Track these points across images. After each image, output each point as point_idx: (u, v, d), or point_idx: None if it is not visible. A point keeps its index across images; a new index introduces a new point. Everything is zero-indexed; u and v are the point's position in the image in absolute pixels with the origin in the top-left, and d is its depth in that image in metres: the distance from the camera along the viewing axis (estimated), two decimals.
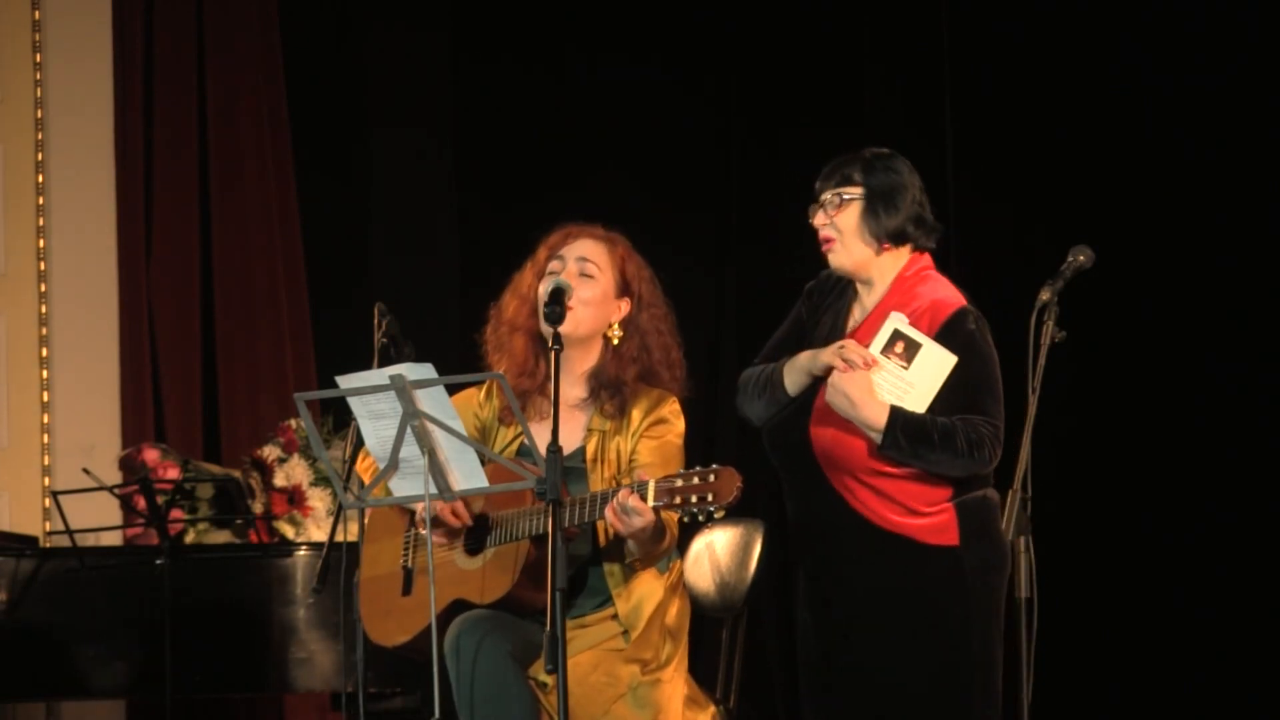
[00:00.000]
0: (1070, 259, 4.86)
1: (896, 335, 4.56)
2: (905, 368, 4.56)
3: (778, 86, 7.59)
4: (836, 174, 4.71)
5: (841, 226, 4.68)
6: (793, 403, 4.67)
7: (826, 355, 4.60)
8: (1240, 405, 6.71)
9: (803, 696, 4.74)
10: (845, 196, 4.68)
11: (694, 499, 4.45)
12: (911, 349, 4.56)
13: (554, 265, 4.90)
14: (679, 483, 4.49)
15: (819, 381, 4.63)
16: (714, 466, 4.47)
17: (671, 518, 4.64)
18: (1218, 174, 6.77)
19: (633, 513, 4.51)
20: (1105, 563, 6.80)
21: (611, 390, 4.84)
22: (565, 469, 4.75)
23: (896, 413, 4.52)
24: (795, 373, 4.67)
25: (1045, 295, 4.77)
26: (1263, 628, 6.65)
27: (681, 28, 7.70)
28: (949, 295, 4.67)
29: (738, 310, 7.63)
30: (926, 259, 4.73)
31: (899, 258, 4.70)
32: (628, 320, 4.90)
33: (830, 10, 7.48)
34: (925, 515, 4.55)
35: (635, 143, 7.64)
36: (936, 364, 4.55)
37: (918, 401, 4.55)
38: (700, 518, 4.48)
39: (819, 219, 4.71)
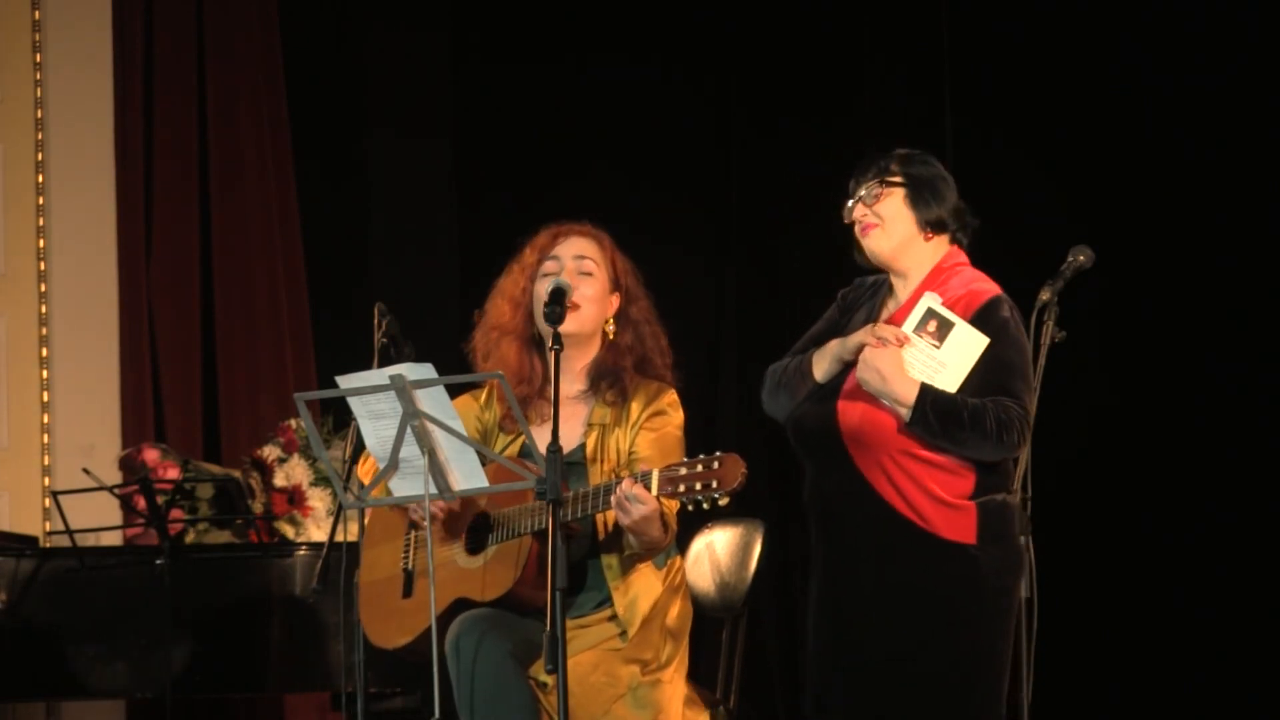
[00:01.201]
0: (1070, 259, 4.87)
1: (930, 314, 4.58)
2: (937, 347, 4.57)
3: (778, 86, 7.59)
4: (873, 169, 4.73)
5: (884, 213, 4.70)
6: (821, 389, 4.67)
7: (859, 336, 4.62)
8: (1240, 405, 6.71)
9: (809, 688, 4.73)
10: (885, 183, 4.69)
11: (698, 486, 4.46)
12: (944, 328, 4.57)
13: (549, 266, 4.91)
14: (683, 470, 4.50)
15: (849, 368, 4.64)
16: (717, 454, 4.48)
17: (670, 510, 4.65)
18: (1218, 174, 6.77)
19: (635, 500, 4.52)
20: (1105, 563, 6.80)
21: (611, 379, 4.87)
22: (565, 465, 4.76)
23: (927, 389, 4.53)
24: (825, 360, 4.68)
25: (1045, 295, 4.78)
26: (1263, 628, 6.65)
27: (681, 27, 7.70)
28: (984, 285, 4.69)
29: (738, 310, 7.64)
30: (962, 255, 4.75)
31: (937, 249, 4.72)
32: (620, 314, 4.93)
33: (830, 10, 7.48)
34: (948, 505, 4.54)
35: (635, 143, 7.64)
36: (969, 344, 4.56)
37: (949, 381, 4.56)
38: (705, 505, 4.49)
39: (857, 211, 4.72)
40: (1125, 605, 6.79)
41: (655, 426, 4.83)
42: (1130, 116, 6.90)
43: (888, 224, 4.70)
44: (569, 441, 4.82)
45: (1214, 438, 6.72)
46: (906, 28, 7.34)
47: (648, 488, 4.52)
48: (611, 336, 4.91)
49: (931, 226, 4.70)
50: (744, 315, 7.60)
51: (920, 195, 4.69)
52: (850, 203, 4.74)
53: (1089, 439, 6.75)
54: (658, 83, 7.68)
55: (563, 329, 4.69)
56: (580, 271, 4.88)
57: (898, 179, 4.70)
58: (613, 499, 4.56)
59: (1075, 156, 6.94)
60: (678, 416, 4.87)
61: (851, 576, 4.64)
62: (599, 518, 4.74)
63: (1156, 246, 6.81)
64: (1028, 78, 7.03)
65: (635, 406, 4.85)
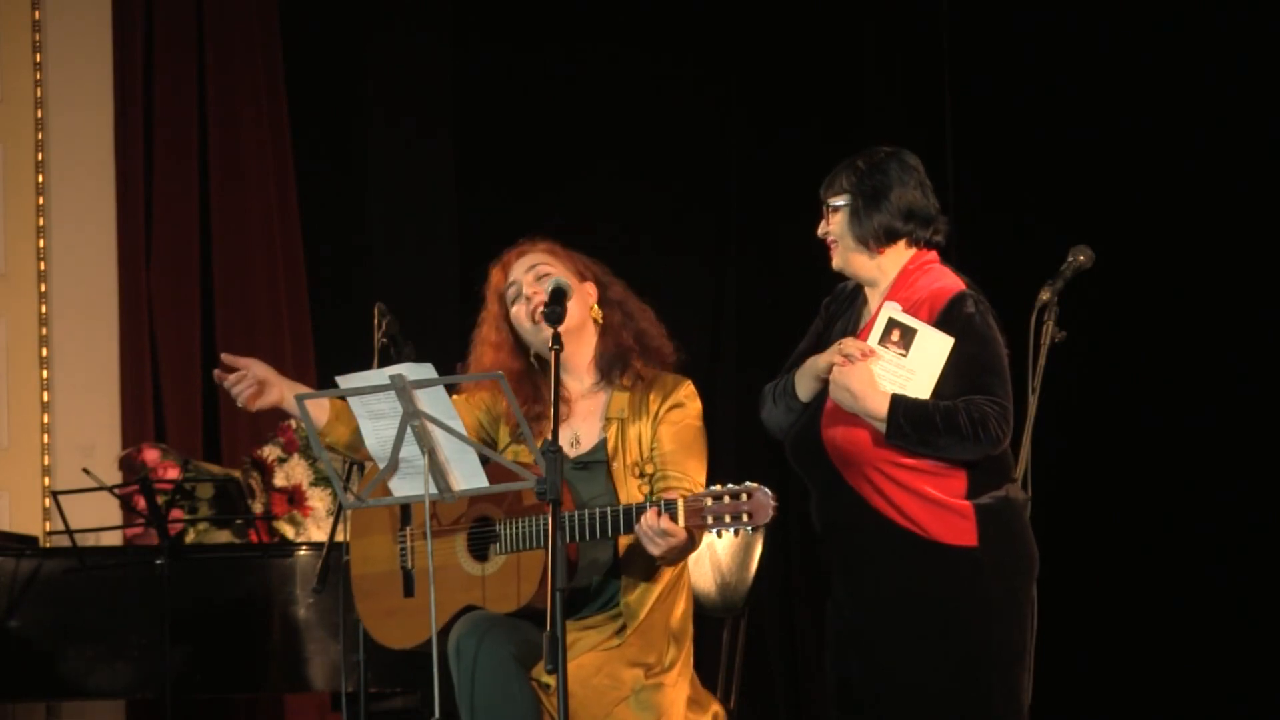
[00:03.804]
0: (1070, 259, 4.87)
1: (892, 324, 4.57)
2: (904, 355, 4.55)
3: (778, 85, 7.59)
4: (831, 182, 4.75)
5: (835, 231, 4.72)
6: (807, 409, 4.67)
7: (826, 355, 4.61)
8: (1240, 405, 6.71)
9: (833, 702, 4.72)
10: (836, 204, 4.71)
11: (727, 518, 4.49)
12: (908, 335, 4.56)
13: (512, 292, 4.93)
14: (709, 502, 4.50)
15: (829, 385, 4.64)
16: (746, 485, 4.49)
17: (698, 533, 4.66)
18: (1219, 173, 6.77)
19: (665, 534, 4.54)
20: (1105, 562, 6.80)
21: (621, 364, 4.90)
22: (587, 462, 4.81)
23: (898, 400, 4.52)
24: (805, 379, 4.68)
25: (1045, 295, 4.77)
26: (1263, 628, 6.65)
27: (682, 26, 7.70)
28: (949, 282, 4.66)
29: (738, 311, 7.64)
30: (932, 255, 4.72)
31: (899, 256, 4.70)
32: (601, 299, 4.96)
33: (831, 10, 7.48)
34: (946, 509, 4.53)
35: (635, 141, 7.64)
36: (934, 348, 4.55)
37: (920, 387, 4.54)
38: (735, 533, 4.51)
39: (820, 228, 4.75)
40: (1125, 605, 6.79)
41: (675, 420, 4.84)
42: (1130, 116, 6.90)
43: (840, 243, 4.72)
44: (589, 439, 4.85)
45: (1214, 437, 6.72)
46: (907, 25, 7.34)
47: (673, 518, 4.53)
48: (601, 322, 4.93)
49: (877, 238, 4.68)
50: (744, 316, 7.60)
51: (859, 211, 4.68)
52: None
53: (1089, 439, 6.76)
54: (658, 83, 7.69)
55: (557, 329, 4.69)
56: (538, 276, 4.90)
57: (844, 198, 4.70)
58: (638, 530, 4.57)
59: (1075, 157, 6.94)
60: (696, 406, 4.89)
61: (861, 593, 4.63)
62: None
63: (1156, 246, 6.81)
64: (1028, 78, 7.03)
65: (654, 399, 4.86)
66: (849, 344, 4.59)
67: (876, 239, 4.67)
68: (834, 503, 4.65)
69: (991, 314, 4.63)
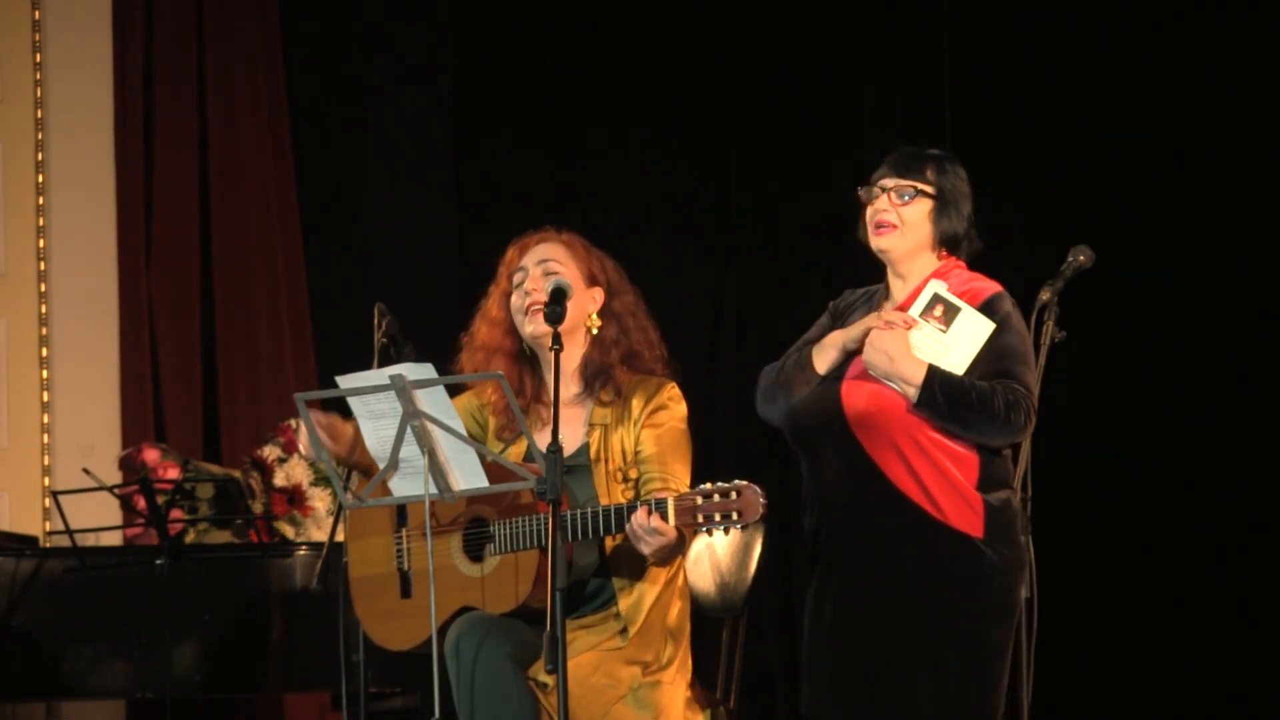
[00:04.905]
0: (1070, 259, 4.87)
1: (936, 299, 4.59)
2: (944, 331, 4.58)
3: (778, 84, 7.59)
4: (909, 167, 4.73)
5: (906, 218, 4.70)
6: (822, 380, 4.67)
7: (865, 321, 4.63)
8: (1240, 405, 6.71)
9: (805, 679, 4.73)
10: (918, 191, 4.69)
11: (717, 516, 4.48)
12: (950, 313, 4.59)
13: (517, 278, 4.92)
14: (699, 500, 4.49)
15: (851, 356, 4.64)
16: (735, 483, 4.48)
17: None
18: (1219, 173, 6.77)
19: (655, 533, 4.54)
20: (1105, 562, 6.80)
21: (603, 378, 4.88)
22: (569, 467, 4.77)
23: (934, 370, 4.54)
24: (826, 350, 4.68)
25: (1045, 295, 4.78)
26: (1263, 628, 6.65)
27: (685, 20, 7.70)
28: (984, 283, 4.71)
29: (738, 309, 7.63)
30: (959, 261, 4.77)
31: (937, 259, 4.73)
32: (604, 309, 4.93)
33: (831, 8, 7.48)
34: (958, 492, 4.54)
35: (634, 130, 7.64)
36: (975, 329, 4.57)
37: (955, 364, 4.57)
38: (724, 532, 4.51)
39: (881, 203, 4.71)
40: (1125, 605, 6.79)
41: (658, 422, 4.83)
42: (1131, 115, 6.90)
43: (906, 229, 4.70)
44: (572, 444, 4.83)
45: (1214, 438, 6.71)
46: (907, 25, 7.34)
47: (664, 518, 4.53)
48: (595, 332, 4.91)
49: (946, 242, 4.72)
50: (744, 309, 7.60)
51: (945, 211, 4.71)
52: (874, 188, 4.73)
53: (1089, 439, 6.75)
54: (657, 77, 7.69)
55: (544, 330, 4.69)
56: (546, 273, 4.89)
57: (930, 189, 4.70)
58: (629, 529, 4.56)
59: (1075, 156, 6.94)
60: (680, 409, 4.87)
61: (852, 564, 4.63)
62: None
63: (1156, 246, 6.80)
64: (1028, 76, 7.03)
65: (636, 404, 4.84)
66: (892, 312, 4.62)
67: (944, 242, 4.70)
68: (835, 473, 4.63)
69: (1022, 317, 4.67)
